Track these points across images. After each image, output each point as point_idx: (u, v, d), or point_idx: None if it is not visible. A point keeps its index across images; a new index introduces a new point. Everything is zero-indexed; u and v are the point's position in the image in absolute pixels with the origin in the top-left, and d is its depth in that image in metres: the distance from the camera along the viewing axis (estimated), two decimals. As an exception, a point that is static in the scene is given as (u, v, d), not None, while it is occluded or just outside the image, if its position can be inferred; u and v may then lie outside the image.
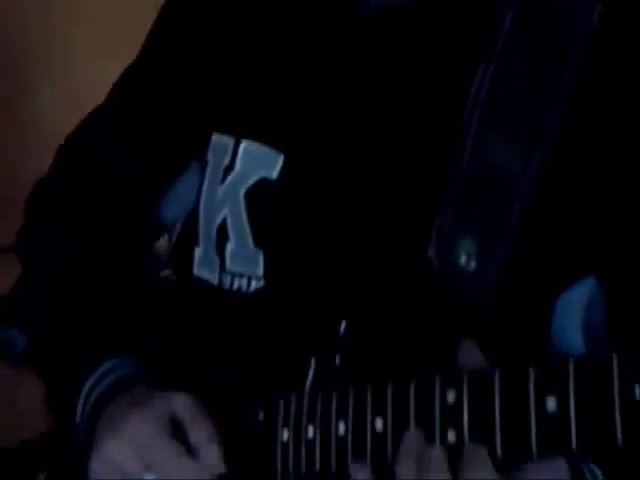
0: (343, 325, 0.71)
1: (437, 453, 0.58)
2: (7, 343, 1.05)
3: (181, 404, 0.75)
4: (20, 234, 0.97)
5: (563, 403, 0.52)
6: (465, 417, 0.57)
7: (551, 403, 0.53)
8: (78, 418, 0.83)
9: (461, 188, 0.69)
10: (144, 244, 0.97)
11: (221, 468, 0.72)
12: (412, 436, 0.60)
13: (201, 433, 0.73)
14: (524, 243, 0.68)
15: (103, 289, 0.91)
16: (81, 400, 0.83)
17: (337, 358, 0.71)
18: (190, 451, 0.73)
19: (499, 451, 0.56)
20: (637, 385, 0.49)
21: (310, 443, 0.68)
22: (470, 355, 0.59)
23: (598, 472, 0.65)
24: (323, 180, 0.77)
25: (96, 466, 0.76)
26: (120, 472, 0.74)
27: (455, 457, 0.57)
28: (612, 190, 0.69)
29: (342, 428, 0.65)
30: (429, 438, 0.59)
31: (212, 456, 0.72)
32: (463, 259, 0.67)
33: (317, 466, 0.67)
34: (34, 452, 1.17)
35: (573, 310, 0.70)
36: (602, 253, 0.70)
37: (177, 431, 0.74)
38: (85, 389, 0.82)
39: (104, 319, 0.88)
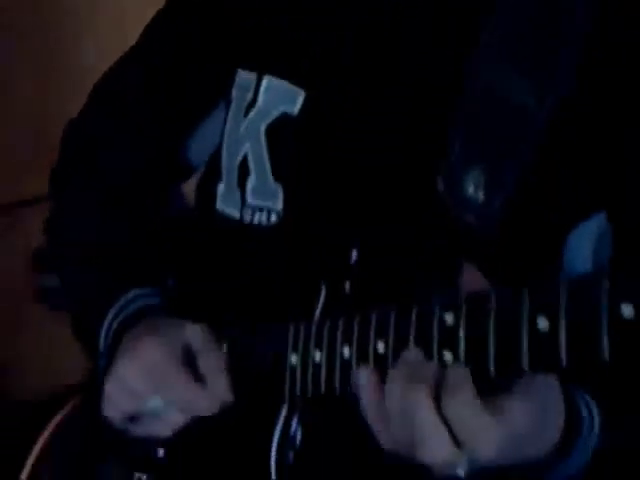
0: (354, 254, 0.73)
1: (430, 367, 0.59)
2: (51, 291, 1.09)
3: (194, 334, 0.78)
4: (52, 173, 1.01)
5: (554, 322, 0.53)
6: (461, 338, 0.58)
7: (542, 322, 0.54)
8: (101, 346, 0.87)
9: (471, 122, 0.71)
10: (171, 184, 1.00)
11: (228, 397, 0.76)
12: (411, 352, 0.61)
13: (210, 362, 0.76)
14: (535, 176, 0.69)
15: (129, 226, 0.94)
16: (104, 328, 0.86)
17: (347, 285, 0.73)
18: (199, 379, 0.76)
19: (492, 369, 0.57)
20: (624, 303, 0.50)
21: (317, 367, 0.70)
22: (472, 279, 0.60)
23: (594, 408, 0.67)
24: (343, 116, 0.78)
25: (109, 386, 0.80)
26: (129, 392, 0.78)
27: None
28: (625, 131, 0.70)
29: (347, 352, 0.67)
30: (427, 358, 0.61)
31: (219, 384, 0.76)
32: (471, 190, 0.69)
33: (322, 388, 0.69)
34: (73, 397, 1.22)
35: (583, 244, 0.72)
36: (613, 190, 0.71)
37: (189, 360, 0.77)
38: (109, 317, 0.86)
39: (129, 253, 0.91)
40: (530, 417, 0.59)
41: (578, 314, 0.52)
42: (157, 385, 0.77)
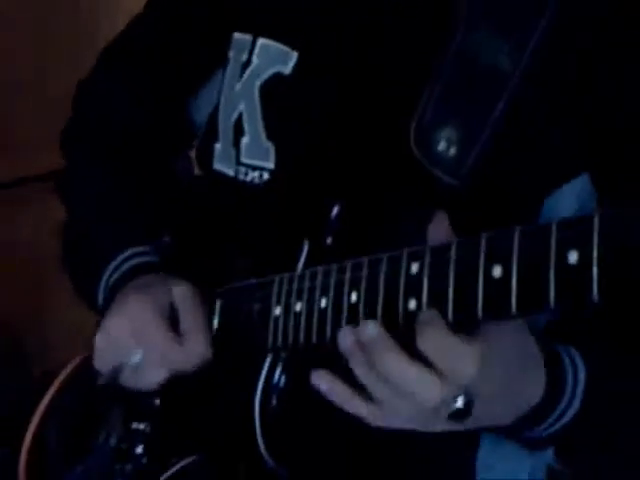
0: (335, 209, 0.76)
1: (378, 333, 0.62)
2: None
3: (179, 294, 0.82)
4: (62, 134, 1.05)
5: (507, 269, 0.55)
6: (425, 286, 0.61)
7: (497, 270, 0.56)
8: (100, 303, 0.91)
9: (446, 82, 0.73)
10: (178, 146, 1.04)
11: (206, 353, 0.80)
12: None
13: (190, 320, 0.81)
14: (507, 135, 0.71)
15: (134, 182, 0.98)
16: (102, 285, 0.91)
17: (329, 240, 0.76)
18: (179, 336, 0.80)
19: (450, 316, 0.59)
20: (571, 250, 0.52)
21: (297, 317, 0.73)
22: (440, 229, 0.63)
23: (580, 364, 0.69)
24: (330, 77, 0.81)
25: (98, 339, 0.85)
26: (115, 346, 0.83)
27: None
28: (606, 91, 0.72)
29: (324, 302, 0.70)
30: (393, 307, 0.63)
31: (197, 341, 0.80)
32: (442, 146, 0.71)
33: (302, 338, 0.72)
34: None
35: (566, 206, 0.74)
36: (595, 151, 0.72)
37: (172, 318, 0.82)
38: (106, 274, 0.90)
39: (130, 209, 0.95)
40: (500, 350, 0.61)
41: (529, 261, 0.54)
42: (139, 340, 0.81)
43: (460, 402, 0.60)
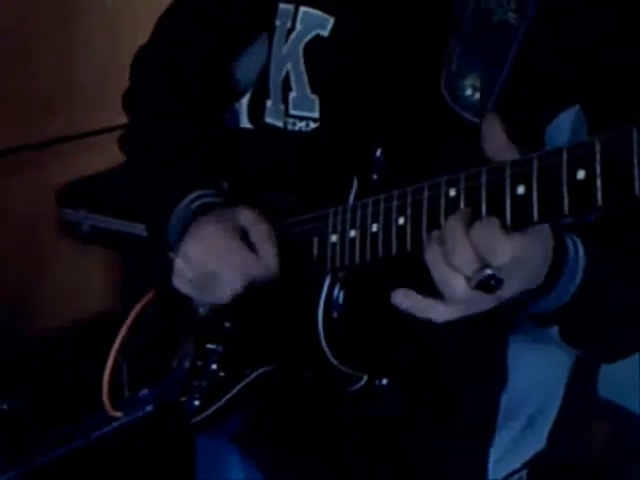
0: (379, 151, 0.88)
1: (455, 224, 0.72)
2: (74, 225, 1.21)
3: (246, 215, 0.95)
4: (124, 97, 1.18)
5: (529, 188, 0.68)
6: (461, 207, 0.73)
7: (520, 189, 0.68)
8: (172, 238, 1.03)
9: (466, 40, 0.87)
10: (224, 99, 1.17)
11: (275, 262, 0.92)
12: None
13: (259, 233, 0.93)
14: (519, 79, 0.85)
15: (191, 134, 1.11)
16: (173, 221, 1.03)
17: (374, 176, 0.88)
18: (251, 249, 0.93)
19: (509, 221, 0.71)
20: (580, 169, 0.64)
21: (352, 242, 0.85)
22: (493, 127, 0.72)
23: (578, 240, 0.82)
24: (364, 37, 0.95)
25: (177, 260, 0.97)
26: (194, 265, 0.96)
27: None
28: (599, 34, 0.84)
29: (375, 227, 0.82)
30: (436, 228, 0.75)
31: (268, 250, 0.92)
32: (469, 92, 0.85)
33: (357, 259, 0.85)
34: (98, 329, 1.37)
35: (561, 132, 0.87)
36: (587, 86, 0.86)
37: (243, 236, 0.94)
38: (177, 212, 1.03)
39: (194, 156, 1.08)
40: (534, 246, 0.73)
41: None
42: (219, 257, 0.94)
43: (488, 271, 0.70)
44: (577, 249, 0.81)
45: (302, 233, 0.93)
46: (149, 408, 1.11)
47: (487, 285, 0.71)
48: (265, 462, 1.12)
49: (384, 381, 0.91)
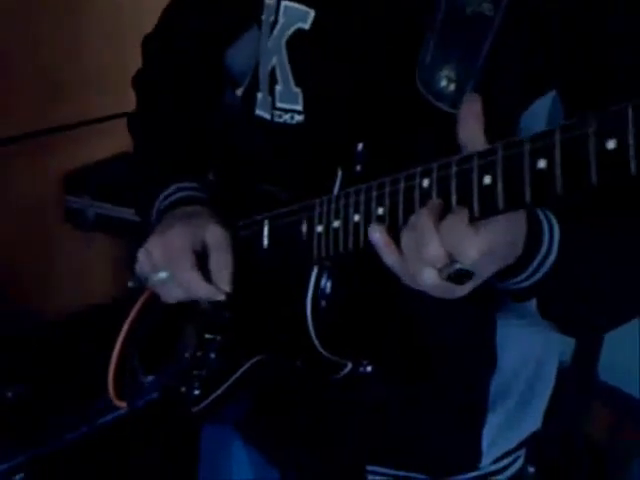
0: (360, 145, 0.90)
1: (424, 217, 0.72)
2: (79, 212, 1.25)
3: (213, 233, 0.97)
4: (134, 76, 1.24)
5: (494, 178, 0.69)
6: (434, 197, 0.74)
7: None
8: (152, 222, 1.07)
9: (441, 31, 0.88)
10: (218, 86, 1.21)
11: (227, 289, 0.96)
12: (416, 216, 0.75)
13: (218, 260, 0.96)
14: (494, 70, 0.86)
15: (186, 123, 1.15)
16: (155, 207, 1.08)
17: (358, 167, 0.90)
18: (206, 272, 0.96)
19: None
20: (541, 159, 0.65)
21: (336, 232, 0.87)
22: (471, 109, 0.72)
23: (553, 217, 0.82)
24: (342, 29, 0.96)
25: (140, 251, 1.01)
26: (149, 262, 0.99)
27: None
28: (575, 22, 0.85)
29: (357, 217, 0.84)
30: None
31: (222, 280, 0.96)
32: (443, 83, 0.86)
33: (341, 248, 0.86)
34: (104, 315, 1.39)
35: (538, 116, 0.88)
36: (562, 71, 0.87)
37: (203, 253, 0.97)
38: (160, 198, 1.07)
39: (185, 146, 1.13)
40: (503, 235, 0.73)
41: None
42: (169, 263, 0.97)
43: (457, 265, 0.71)
44: (552, 227, 0.82)
45: (289, 224, 0.95)
46: (153, 396, 1.15)
47: (457, 278, 0.72)
48: (266, 447, 1.15)
49: (368, 368, 0.93)
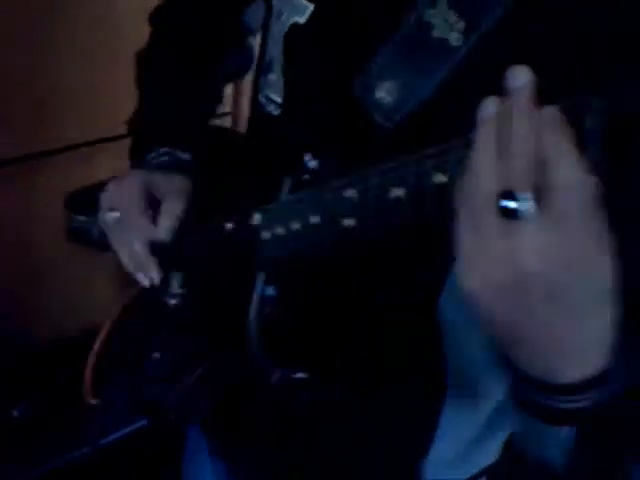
0: (308, 155, 0.91)
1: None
2: (85, 230, 1.29)
3: (170, 184, 1.04)
4: (137, 55, 1.27)
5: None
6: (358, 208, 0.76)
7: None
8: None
9: (399, 43, 0.86)
10: (236, 38, 1.27)
11: (165, 235, 1.01)
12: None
13: (167, 206, 1.02)
14: (442, 98, 0.83)
15: (188, 86, 1.21)
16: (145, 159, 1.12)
17: (306, 176, 0.91)
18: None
19: None
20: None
21: (279, 239, 0.88)
22: None
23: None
24: (327, 28, 0.95)
25: (104, 190, 1.08)
26: (107, 199, 1.07)
27: None
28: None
29: (296, 225, 0.85)
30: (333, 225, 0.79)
31: (164, 224, 1.01)
32: (382, 94, 0.85)
33: (285, 255, 0.88)
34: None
35: None
36: None
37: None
38: (150, 156, 1.11)
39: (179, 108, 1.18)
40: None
41: None
42: (118, 203, 1.04)
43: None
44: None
45: (237, 230, 0.97)
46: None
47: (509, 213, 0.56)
48: (222, 448, 1.17)
49: (300, 374, 0.93)
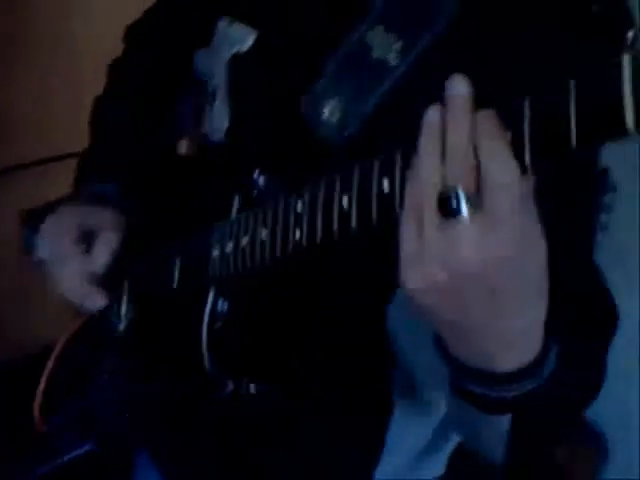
0: (257, 172, 0.93)
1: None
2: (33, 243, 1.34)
3: (103, 216, 1.06)
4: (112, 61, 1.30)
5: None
6: (305, 221, 0.78)
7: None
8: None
9: (340, 63, 0.89)
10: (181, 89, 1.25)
11: (101, 267, 1.02)
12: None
13: (102, 237, 1.04)
14: (382, 116, 0.86)
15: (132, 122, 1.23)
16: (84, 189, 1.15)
17: (254, 193, 0.93)
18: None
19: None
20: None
21: (228, 255, 0.90)
22: None
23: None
24: (268, 54, 0.99)
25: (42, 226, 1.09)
26: (41, 235, 1.08)
27: None
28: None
29: (244, 240, 0.87)
30: (283, 238, 0.81)
31: (99, 255, 1.03)
32: (327, 114, 0.88)
33: (233, 271, 0.90)
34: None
35: None
36: None
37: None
38: (92, 180, 1.15)
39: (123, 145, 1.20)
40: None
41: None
42: (52, 241, 1.06)
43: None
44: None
45: (188, 247, 0.99)
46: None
47: (450, 206, 0.60)
48: (171, 474, 1.17)
49: (252, 387, 0.94)
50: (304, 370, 0.97)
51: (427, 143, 0.62)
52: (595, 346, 0.81)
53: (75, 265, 1.04)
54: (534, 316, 0.64)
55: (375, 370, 0.97)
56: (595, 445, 2.00)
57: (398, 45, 0.85)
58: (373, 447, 1.01)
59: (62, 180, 2.25)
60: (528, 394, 0.68)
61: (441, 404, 1.01)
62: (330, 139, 0.88)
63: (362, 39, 0.88)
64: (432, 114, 0.62)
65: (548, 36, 0.78)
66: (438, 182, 0.60)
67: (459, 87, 0.61)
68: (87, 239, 1.06)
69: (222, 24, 1.05)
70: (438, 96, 0.66)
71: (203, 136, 1.08)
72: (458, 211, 0.58)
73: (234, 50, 1.02)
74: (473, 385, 0.69)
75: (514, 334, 0.64)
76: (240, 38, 1.01)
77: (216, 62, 1.05)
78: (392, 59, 0.85)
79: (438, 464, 1.10)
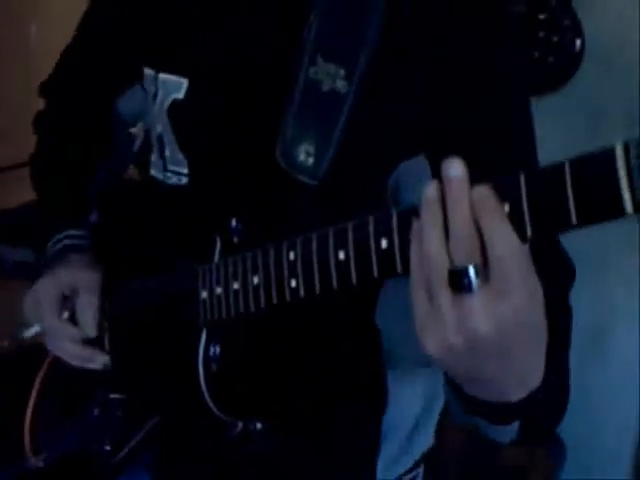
0: (234, 220, 0.94)
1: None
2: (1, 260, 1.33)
3: (81, 278, 1.07)
4: (35, 115, 1.29)
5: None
6: (299, 271, 0.79)
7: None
8: (43, 264, 1.15)
9: (298, 105, 0.91)
10: (109, 131, 1.27)
11: (92, 332, 1.05)
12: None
13: (83, 302, 1.05)
14: (352, 143, 0.89)
15: (72, 171, 1.23)
16: (48, 249, 1.15)
17: (235, 239, 0.94)
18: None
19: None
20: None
21: (218, 298, 0.91)
22: None
23: None
24: (211, 100, 1.00)
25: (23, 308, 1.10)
26: (25, 315, 1.10)
27: None
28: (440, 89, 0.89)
29: (236, 285, 0.88)
30: (279, 287, 0.82)
31: (86, 322, 1.05)
32: (302, 157, 0.90)
33: (224, 315, 0.91)
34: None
35: (409, 172, 0.92)
36: (430, 137, 0.90)
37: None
38: (49, 244, 1.14)
39: (69, 195, 1.21)
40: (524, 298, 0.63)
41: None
42: (36, 317, 1.08)
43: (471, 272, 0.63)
44: None
45: (173, 290, 0.99)
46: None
47: (459, 279, 0.63)
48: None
49: (258, 425, 0.97)
50: (296, 408, 1.00)
51: (429, 218, 0.65)
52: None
53: (67, 340, 1.08)
54: (542, 350, 0.69)
55: (367, 414, 1.03)
56: (553, 445, 2.05)
57: (341, 72, 0.89)
58: (371, 447, 1.07)
59: (20, 187, 2.26)
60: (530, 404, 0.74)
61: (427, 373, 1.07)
62: (309, 180, 0.90)
63: (307, 77, 0.90)
64: (431, 191, 0.65)
65: (472, 32, 0.88)
66: (446, 259, 0.63)
67: (456, 169, 0.64)
68: (69, 302, 1.08)
69: (149, 72, 1.05)
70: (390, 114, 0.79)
71: (150, 179, 1.09)
72: (470, 287, 0.62)
73: (170, 98, 1.02)
74: (486, 416, 0.77)
75: (526, 371, 0.70)
76: (173, 87, 1.01)
77: (152, 109, 1.05)
78: (341, 87, 0.89)
79: (427, 436, 1.15)
